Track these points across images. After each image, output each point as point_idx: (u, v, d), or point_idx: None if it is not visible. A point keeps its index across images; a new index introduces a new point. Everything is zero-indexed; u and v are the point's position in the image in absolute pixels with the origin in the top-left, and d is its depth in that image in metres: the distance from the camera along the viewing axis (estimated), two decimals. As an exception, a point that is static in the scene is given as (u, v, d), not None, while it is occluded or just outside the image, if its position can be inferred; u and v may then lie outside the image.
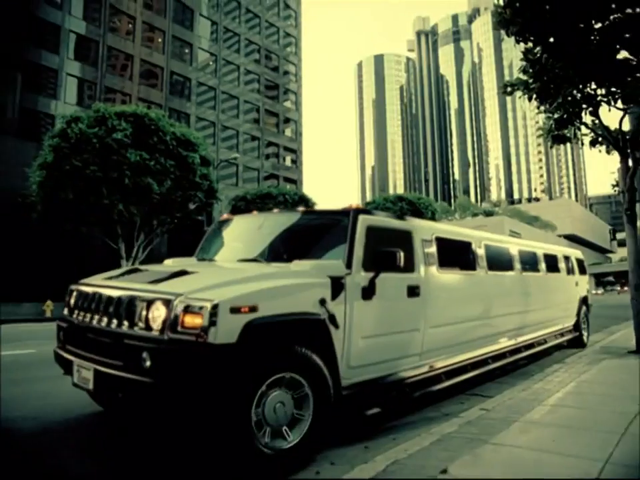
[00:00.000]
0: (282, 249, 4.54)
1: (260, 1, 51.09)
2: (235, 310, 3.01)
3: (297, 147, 52.99)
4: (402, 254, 3.92)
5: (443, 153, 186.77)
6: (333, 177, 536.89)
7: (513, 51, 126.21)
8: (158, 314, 3.08)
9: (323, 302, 3.56)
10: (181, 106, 41.29)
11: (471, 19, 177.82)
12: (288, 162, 52.26)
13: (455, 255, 5.64)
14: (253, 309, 3.09)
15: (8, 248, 24.89)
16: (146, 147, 23.09)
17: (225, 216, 5.45)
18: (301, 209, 5.89)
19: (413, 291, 4.56)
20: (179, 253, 6.63)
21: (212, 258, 4.85)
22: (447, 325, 5.13)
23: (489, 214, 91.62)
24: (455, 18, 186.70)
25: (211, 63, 45.23)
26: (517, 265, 7.01)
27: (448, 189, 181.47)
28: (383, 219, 4.52)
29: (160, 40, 40.89)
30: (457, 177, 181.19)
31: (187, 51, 43.16)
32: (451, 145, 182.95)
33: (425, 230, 5.03)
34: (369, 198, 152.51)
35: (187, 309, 2.99)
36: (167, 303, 3.06)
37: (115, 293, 3.47)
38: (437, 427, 3.88)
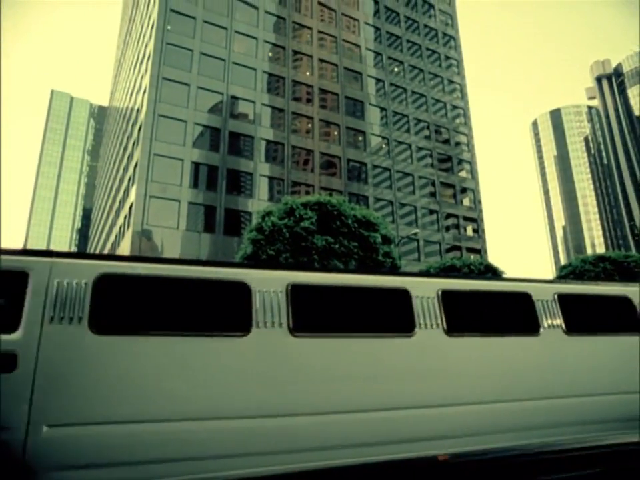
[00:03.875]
0: None
1: (424, 82, 52.72)
2: None
3: (476, 215, 50.86)
4: None
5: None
6: (519, 242, 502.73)
7: None
8: None
9: None
10: (359, 189, 43.30)
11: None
12: (469, 232, 50.15)
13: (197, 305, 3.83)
14: None
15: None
16: (330, 231, 24.17)
17: None
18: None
19: None
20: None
21: None
22: (143, 421, 3.29)
23: None
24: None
25: (383, 146, 47.15)
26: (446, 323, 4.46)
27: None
28: None
29: (336, 133, 44.33)
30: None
31: (360, 138, 45.85)
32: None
33: (73, 268, 3.49)
34: (563, 261, 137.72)
35: None
36: None
37: None
38: None
